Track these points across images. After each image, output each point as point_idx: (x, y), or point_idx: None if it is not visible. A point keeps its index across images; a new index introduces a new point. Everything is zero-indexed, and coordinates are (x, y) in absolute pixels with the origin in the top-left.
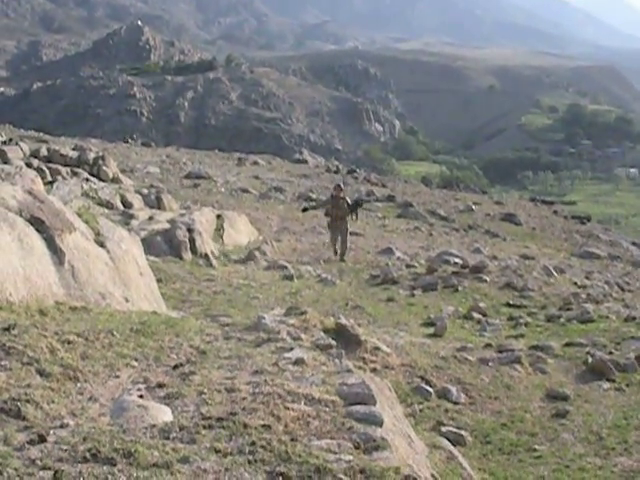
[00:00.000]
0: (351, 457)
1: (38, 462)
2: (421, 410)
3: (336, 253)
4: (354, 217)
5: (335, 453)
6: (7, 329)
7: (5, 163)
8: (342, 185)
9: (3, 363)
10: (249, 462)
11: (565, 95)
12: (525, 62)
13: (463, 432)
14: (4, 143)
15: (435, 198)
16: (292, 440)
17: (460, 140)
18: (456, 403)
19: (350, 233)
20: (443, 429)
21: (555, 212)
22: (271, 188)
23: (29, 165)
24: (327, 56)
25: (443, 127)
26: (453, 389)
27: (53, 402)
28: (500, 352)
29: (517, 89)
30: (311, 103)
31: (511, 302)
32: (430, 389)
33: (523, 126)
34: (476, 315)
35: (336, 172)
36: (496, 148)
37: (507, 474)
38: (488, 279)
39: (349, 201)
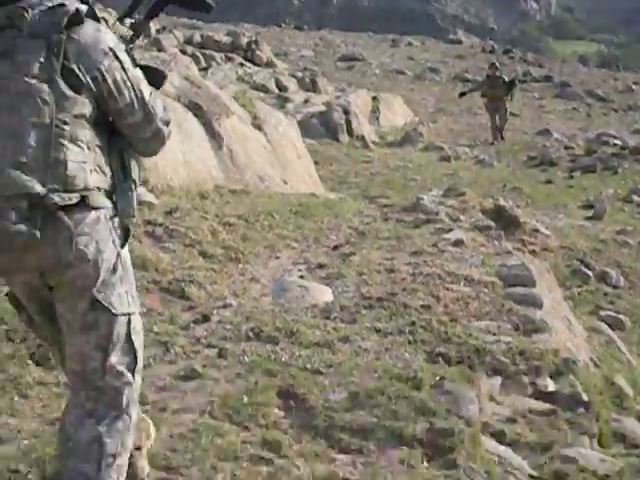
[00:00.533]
0: (510, 339)
1: (203, 340)
2: (580, 293)
3: (495, 137)
4: (510, 97)
5: (494, 334)
6: (169, 212)
7: (160, 51)
8: (497, 64)
9: (167, 245)
10: (409, 342)
11: None
12: None
13: (622, 317)
14: (158, 32)
15: (593, 78)
16: (452, 321)
17: (620, 17)
18: (615, 287)
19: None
20: (602, 313)
21: None
22: (426, 69)
23: (183, 52)
24: None
25: (602, 3)
26: (612, 272)
27: (216, 283)
28: None
29: None
30: None
31: None
32: (589, 272)
33: None
34: (636, 198)
35: (491, 52)
36: None
37: None
38: None
39: (505, 79)
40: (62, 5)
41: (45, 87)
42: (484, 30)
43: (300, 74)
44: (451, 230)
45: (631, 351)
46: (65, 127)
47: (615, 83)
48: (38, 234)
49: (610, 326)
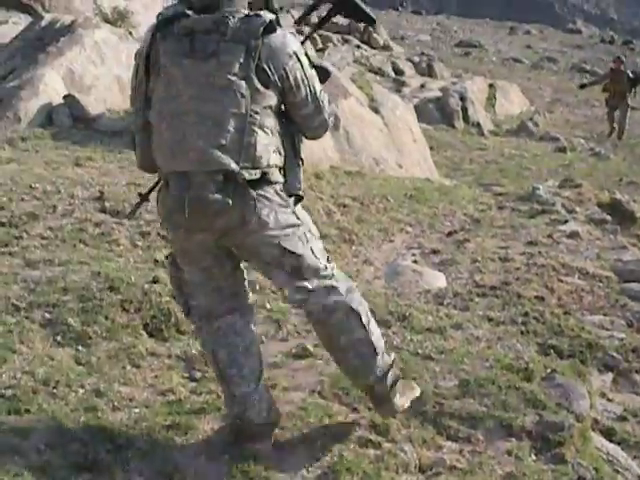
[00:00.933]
0: (624, 335)
1: None
2: None
3: (612, 132)
4: (634, 94)
5: (608, 329)
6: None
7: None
8: (623, 58)
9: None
10: (521, 333)
11: None
12: None
13: None
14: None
15: None
16: (565, 313)
17: None
18: None
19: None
20: None
21: None
22: (543, 58)
23: (300, 32)
24: None
25: None
26: None
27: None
28: None
29: None
30: None
31: None
32: None
33: None
34: None
35: (611, 43)
36: None
37: None
38: None
39: (630, 75)
40: (258, 15)
41: (243, 83)
42: (604, 20)
43: (417, 58)
44: (566, 222)
45: None
46: (256, 116)
47: None
48: (230, 202)
49: None
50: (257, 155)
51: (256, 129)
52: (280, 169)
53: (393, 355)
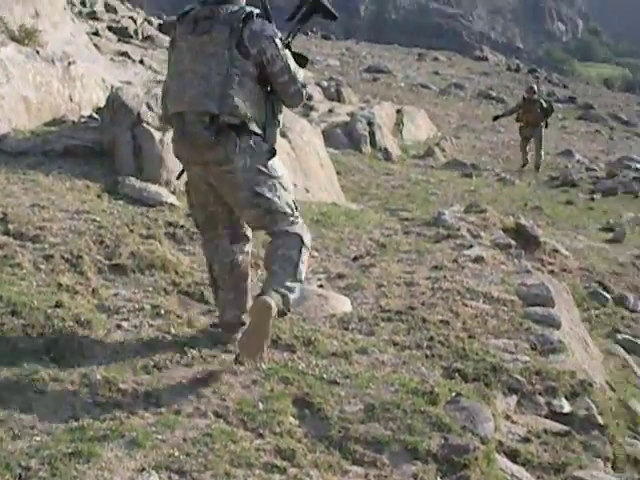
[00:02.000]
0: (527, 358)
1: (220, 345)
2: (597, 316)
3: (525, 164)
4: (545, 124)
5: (512, 353)
6: (190, 215)
7: None
8: (536, 87)
9: (187, 248)
10: (426, 356)
11: None
12: None
13: (639, 340)
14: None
15: (617, 101)
16: (470, 337)
17: None
18: (633, 311)
19: None
20: (618, 336)
21: None
22: (451, 84)
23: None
24: None
25: (628, 28)
26: (630, 296)
27: None
28: None
29: None
30: (493, 0)
31: None
32: (607, 295)
33: None
34: None
35: (516, 71)
36: None
37: None
38: None
39: (543, 104)
40: (242, 8)
41: (226, 52)
42: (510, 48)
43: (325, 83)
44: (471, 246)
45: None
46: (235, 77)
47: (639, 107)
48: (214, 138)
49: (626, 350)
50: (234, 105)
51: (234, 86)
52: (258, 125)
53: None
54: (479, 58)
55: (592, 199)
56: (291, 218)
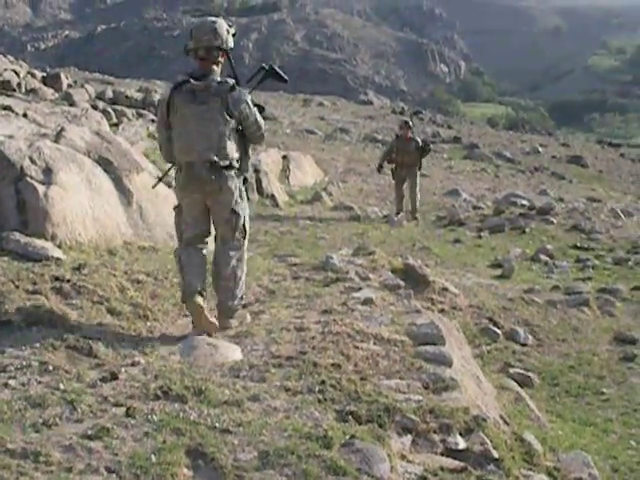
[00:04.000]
0: (420, 397)
1: (110, 399)
2: (489, 351)
3: (399, 212)
4: (419, 166)
5: (404, 393)
6: (77, 268)
7: (71, 105)
8: (411, 123)
9: (74, 302)
10: (319, 401)
11: (633, 36)
12: (592, 3)
13: (531, 374)
14: (70, 86)
15: (501, 140)
16: (362, 379)
17: (526, 81)
18: (524, 345)
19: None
20: (511, 371)
21: (622, 155)
22: (336, 129)
23: (95, 107)
24: None
25: (509, 68)
26: (521, 331)
27: (124, 341)
28: (568, 294)
29: (584, 30)
30: (376, 44)
31: (578, 244)
32: (498, 330)
33: (590, 68)
34: (543, 257)
35: (401, 113)
36: (562, 90)
37: (575, 416)
38: (555, 221)
39: (419, 141)
40: (226, 82)
41: (219, 117)
42: (394, 92)
43: None
44: (360, 289)
45: (540, 408)
46: (227, 133)
47: (522, 145)
48: (213, 177)
49: (519, 383)
50: (227, 153)
51: (226, 139)
52: (238, 161)
53: (244, 300)
54: (364, 102)
55: (480, 237)
56: (244, 234)
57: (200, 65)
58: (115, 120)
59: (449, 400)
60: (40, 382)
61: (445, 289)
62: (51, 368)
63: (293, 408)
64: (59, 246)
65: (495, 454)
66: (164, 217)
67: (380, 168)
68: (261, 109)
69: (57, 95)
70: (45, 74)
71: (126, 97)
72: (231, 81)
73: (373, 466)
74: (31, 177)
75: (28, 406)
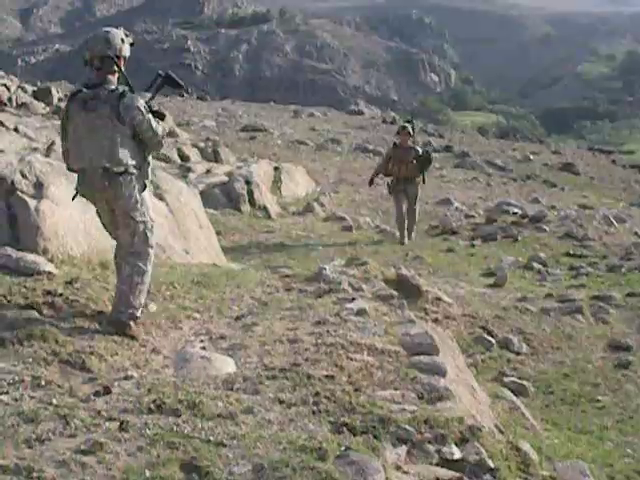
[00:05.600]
0: (415, 407)
1: (104, 413)
2: (483, 360)
3: (403, 235)
4: (422, 179)
5: (399, 403)
6: (69, 282)
7: None
8: (411, 128)
9: (67, 316)
10: (313, 413)
11: (622, 43)
12: (581, 10)
13: (525, 382)
14: (60, 100)
15: (492, 148)
16: (356, 390)
17: (516, 89)
18: (518, 353)
19: None
20: (505, 379)
21: (613, 161)
22: (327, 140)
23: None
24: (381, 6)
25: (499, 76)
26: (515, 339)
27: (117, 354)
28: (561, 302)
29: (573, 37)
30: (366, 54)
31: (571, 252)
32: (492, 339)
33: (580, 75)
34: (536, 265)
35: (392, 123)
36: (552, 97)
37: (570, 424)
38: (547, 229)
39: (419, 150)
40: (117, 89)
41: (109, 123)
42: (385, 101)
43: (202, 144)
44: (354, 300)
45: (535, 416)
46: (118, 139)
47: (513, 153)
48: (107, 184)
49: (513, 392)
50: (120, 159)
51: (118, 146)
52: (136, 167)
53: (138, 314)
54: (355, 112)
55: (472, 245)
56: (148, 242)
57: (95, 75)
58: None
59: (444, 410)
60: (33, 397)
61: (438, 298)
62: (44, 383)
63: (287, 420)
64: (51, 260)
65: (491, 464)
66: (155, 230)
67: (371, 182)
68: (161, 116)
69: (48, 109)
70: (36, 88)
71: None
72: (122, 88)
73: (368, 477)
74: (22, 191)
75: (21, 421)
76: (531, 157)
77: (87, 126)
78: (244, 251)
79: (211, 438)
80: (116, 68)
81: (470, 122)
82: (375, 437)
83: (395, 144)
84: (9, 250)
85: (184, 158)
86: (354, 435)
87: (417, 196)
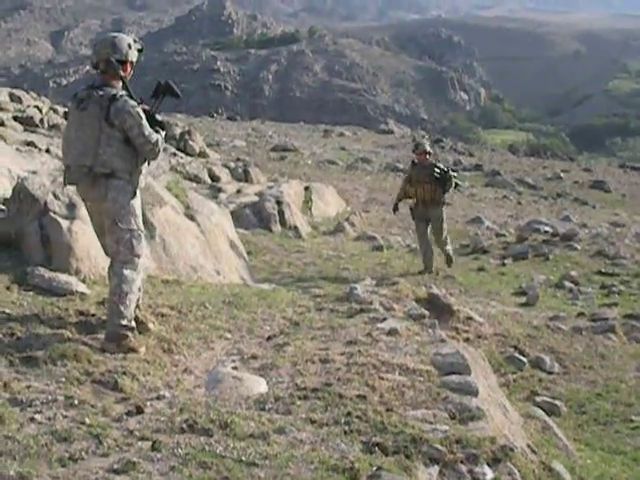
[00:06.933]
0: (447, 427)
1: (136, 433)
2: (515, 380)
3: (428, 269)
4: (443, 199)
5: (431, 423)
6: (101, 303)
7: None
8: (427, 146)
9: (99, 336)
10: (345, 432)
11: None
12: (610, 26)
13: (558, 402)
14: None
15: (522, 166)
16: (387, 410)
17: (546, 107)
18: (550, 373)
19: None
20: (537, 399)
21: None
22: (358, 159)
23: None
24: (410, 25)
25: (528, 94)
26: (547, 358)
27: (149, 374)
28: (593, 321)
29: (603, 54)
30: (395, 73)
31: (603, 270)
32: (523, 358)
33: (610, 91)
34: (568, 284)
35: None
36: (583, 114)
37: (603, 445)
38: (579, 247)
39: (442, 168)
40: (110, 92)
41: (97, 123)
42: (415, 120)
43: (233, 164)
44: (385, 319)
45: (568, 436)
46: (104, 140)
47: (544, 171)
48: (91, 183)
49: (546, 412)
50: (104, 160)
51: (105, 147)
52: (125, 172)
53: (131, 323)
54: (384, 131)
55: (503, 264)
56: (130, 256)
57: (100, 78)
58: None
59: (476, 430)
60: (66, 416)
61: (470, 318)
62: (77, 402)
63: (319, 440)
64: (83, 280)
65: None
66: (187, 250)
67: (396, 208)
68: (161, 125)
69: None
70: (67, 109)
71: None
72: (116, 91)
73: None
74: (54, 212)
75: (54, 440)
76: (561, 175)
77: (77, 124)
78: (275, 271)
79: (243, 458)
80: (124, 73)
81: (500, 140)
82: (407, 457)
83: (413, 162)
84: (42, 270)
85: (215, 178)
86: (386, 455)
87: (442, 219)
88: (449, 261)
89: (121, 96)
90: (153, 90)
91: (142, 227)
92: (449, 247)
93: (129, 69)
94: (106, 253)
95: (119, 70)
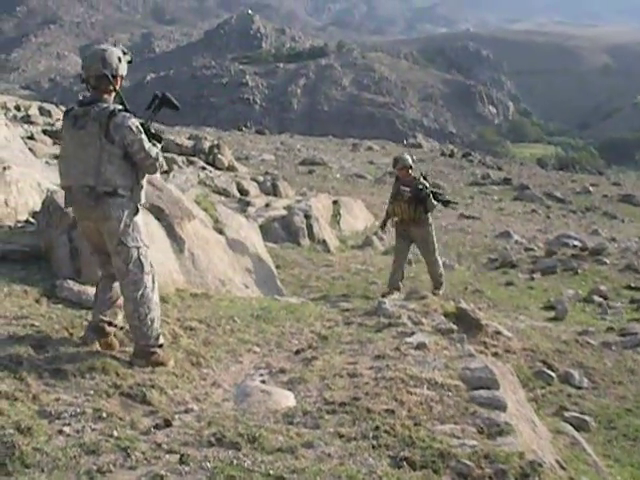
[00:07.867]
0: (475, 442)
1: (164, 446)
2: (543, 395)
3: (394, 284)
4: (425, 218)
5: (459, 438)
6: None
7: None
8: (410, 159)
9: (127, 349)
10: (373, 447)
11: None
12: (638, 39)
13: (587, 417)
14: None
15: (551, 180)
16: (415, 425)
17: (575, 121)
18: (579, 388)
19: (466, 217)
20: (566, 414)
21: None
22: (386, 173)
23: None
24: (438, 39)
25: (557, 108)
26: (576, 373)
27: (177, 387)
28: (623, 335)
29: (632, 67)
30: (424, 87)
31: (632, 285)
32: (552, 373)
33: (639, 105)
34: (597, 298)
35: (451, 156)
36: (612, 128)
37: (633, 461)
38: (608, 261)
39: (424, 184)
40: (107, 108)
41: (97, 141)
42: (443, 134)
43: (261, 178)
44: (413, 333)
45: (597, 452)
46: (105, 158)
47: (573, 185)
48: (93, 203)
49: (575, 427)
50: (107, 178)
51: (106, 164)
52: (127, 189)
53: (160, 340)
54: (413, 145)
55: (532, 279)
56: (140, 275)
57: (92, 93)
58: (166, 168)
59: (504, 445)
60: (94, 429)
61: (498, 332)
62: (105, 415)
63: (347, 454)
64: None
65: None
66: (215, 263)
67: (383, 225)
68: (158, 138)
69: None
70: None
71: (176, 144)
72: (113, 107)
73: None
74: None
75: (82, 453)
76: (590, 189)
77: (75, 143)
78: (303, 285)
79: (271, 472)
80: (114, 87)
81: (529, 154)
82: (435, 472)
83: (397, 178)
84: (71, 283)
85: (243, 192)
86: (414, 470)
87: (427, 240)
88: (437, 287)
89: (119, 111)
90: (150, 102)
91: (147, 242)
92: (441, 270)
93: (120, 82)
94: (100, 269)
95: (112, 86)
